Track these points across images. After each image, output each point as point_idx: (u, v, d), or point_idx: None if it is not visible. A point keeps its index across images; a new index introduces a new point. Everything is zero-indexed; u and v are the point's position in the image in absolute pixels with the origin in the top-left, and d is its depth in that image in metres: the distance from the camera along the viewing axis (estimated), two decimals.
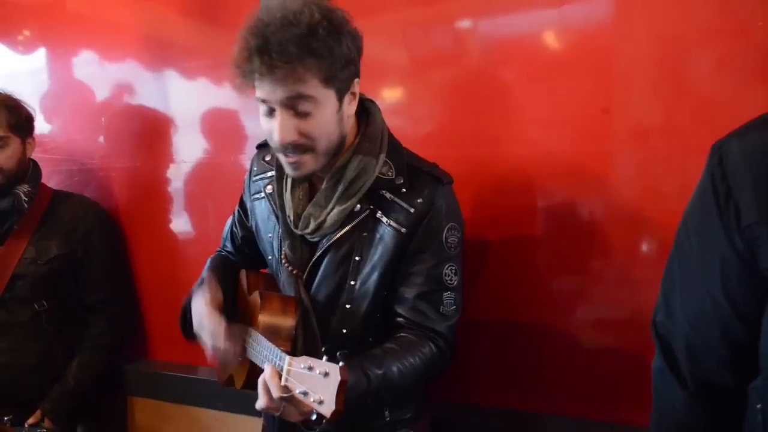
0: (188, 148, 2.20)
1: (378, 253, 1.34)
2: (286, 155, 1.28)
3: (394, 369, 1.27)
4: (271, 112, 1.24)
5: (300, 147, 1.25)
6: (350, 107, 1.31)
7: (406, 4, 1.77)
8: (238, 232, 1.64)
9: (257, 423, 1.72)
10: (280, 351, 1.17)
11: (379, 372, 1.24)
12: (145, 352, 2.32)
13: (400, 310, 1.36)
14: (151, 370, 2.25)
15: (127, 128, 2.32)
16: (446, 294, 1.35)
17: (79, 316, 2.11)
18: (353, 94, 1.30)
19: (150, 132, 2.27)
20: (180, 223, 2.26)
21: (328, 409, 1.03)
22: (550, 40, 1.64)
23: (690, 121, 1.47)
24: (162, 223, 2.27)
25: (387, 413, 1.42)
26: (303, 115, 1.22)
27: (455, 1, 1.72)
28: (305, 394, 1.06)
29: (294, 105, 1.21)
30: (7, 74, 2.57)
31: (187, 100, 2.21)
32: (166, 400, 2.19)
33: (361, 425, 1.39)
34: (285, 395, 1.11)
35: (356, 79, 1.29)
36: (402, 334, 1.34)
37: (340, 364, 1.04)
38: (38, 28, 2.55)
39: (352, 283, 1.35)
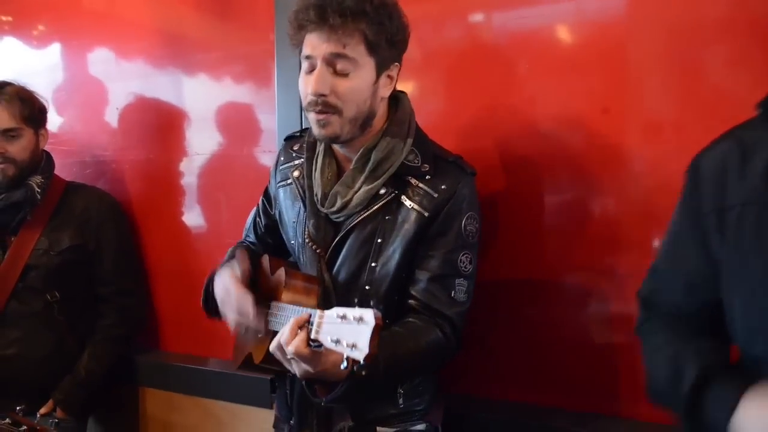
0: (201, 141, 2.20)
1: (400, 236, 1.37)
2: (315, 111, 1.32)
3: (400, 352, 1.28)
4: (311, 70, 1.30)
5: (329, 105, 1.30)
6: (384, 89, 1.37)
7: None
8: (261, 221, 1.66)
9: (268, 414, 1.72)
10: (308, 309, 1.17)
11: (387, 352, 1.24)
12: (156, 343, 2.32)
13: (412, 291, 1.38)
14: (162, 361, 2.25)
15: (141, 121, 2.33)
16: (459, 280, 1.37)
17: (91, 307, 2.12)
18: (390, 77, 1.37)
19: (163, 124, 2.28)
20: (192, 216, 2.26)
21: (361, 352, 1.01)
22: (562, 33, 1.64)
23: (702, 116, 1.46)
24: (174, 215, 2.27)
25: (401, 401, 1.42)
26: (340, 75, 1.29)
27: None
28: (337, 342, 1.04)
29: (335, 63, 1.28)
30: (23, 68, 2.58)
31: (201, 94, 2.21)
32: (177, 391, 2.19)
33: (371, 411, 1.40)
34: (313, 347, 1.11)
35: (397, 64, 1.37)
36: (410, 319, 1.36)
37: (373, 310, 1.04)
38: (53, 23, 2.57)
39: (373, 264, 1.38)
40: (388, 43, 1.30)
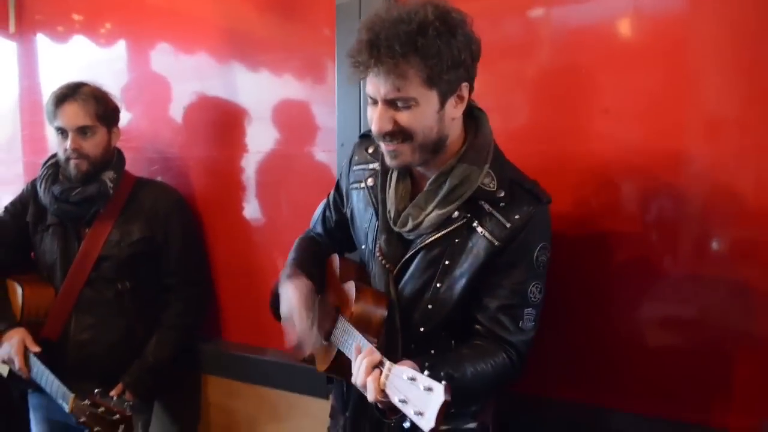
0: (262, 139, 2.27)
1: (468, 262, 1.37)
2: (385, 144, 1.35)
3: (468, 373, 1.31)
4: (375, 103, 1.31)
5: (396, 135, 1.31)
6: (454, 110, 1.34)
7: None
8: (332, 216, 1.68)
9: (324, 404, 1.77)
10: (378, 352, 1.21)
11: (455, 375, 1.27)
12: (218, 332, 2.40)
13: (480, 318, 1.40)
14: (223, 350, 2.34)
15: (204, 119, 2.41)
16: (528, 310, 1.38)
17: (158, 297, 2.22)
18: (460, 97, 1.33)
19: (225, 122, 2.35)
20: (253, 211, 2.33)
21: (427, 424, 1.02)
22: (621, 29, 1.62)
23: (765, 116, 1.43)
24: (236, 210, 2.34)
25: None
26: (402, 109, 1.29)
27: None
28: (404, 402, 1.07)
29: (394, 102, 1.29)
30: (90, 65, 2.69)
31: (261, 92, 2.27)
32: (237, 378, 2.28)
33: None
34: (383, 400, 1.15)
35: (465, 83, 1.32)
36: (477, 341, 1.39)
37: (444, 383, 1.04)
38: (119, 22, 2.66)
39: (438, 285, 1.40)
40: (450, 69, 1.26)
